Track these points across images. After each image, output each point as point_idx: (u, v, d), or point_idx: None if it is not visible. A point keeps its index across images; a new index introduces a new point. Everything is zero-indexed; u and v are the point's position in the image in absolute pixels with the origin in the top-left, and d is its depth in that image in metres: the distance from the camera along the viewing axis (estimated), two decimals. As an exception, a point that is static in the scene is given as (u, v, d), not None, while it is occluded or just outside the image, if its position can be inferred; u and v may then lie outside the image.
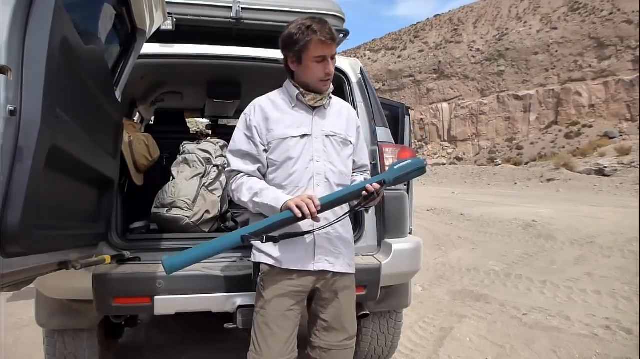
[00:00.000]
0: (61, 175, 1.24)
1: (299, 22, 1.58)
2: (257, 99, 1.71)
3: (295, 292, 1.61)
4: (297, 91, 1.63)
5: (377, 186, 1.53)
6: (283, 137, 1.61)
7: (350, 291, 1.73)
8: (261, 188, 1.58)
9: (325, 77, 1.60)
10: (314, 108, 1.66)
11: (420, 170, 1.63)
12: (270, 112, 1.64)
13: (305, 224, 1.54)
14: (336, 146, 1.67)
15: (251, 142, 1.64)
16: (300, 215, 1.46)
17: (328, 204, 1.52)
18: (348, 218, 1.74)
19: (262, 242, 1.50)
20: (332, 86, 1.70)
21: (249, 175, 1.65)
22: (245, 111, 1.70)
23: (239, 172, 1.65)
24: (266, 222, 1.50)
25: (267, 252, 1.62)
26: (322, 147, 1.64)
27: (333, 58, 1.61)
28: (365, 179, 1.75)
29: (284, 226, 1.50)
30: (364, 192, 1.53)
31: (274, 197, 1.55)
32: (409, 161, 1.63)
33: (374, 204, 1.62)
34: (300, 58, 1.59)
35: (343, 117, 1.74)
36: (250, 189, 1.59)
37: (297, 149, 1.61)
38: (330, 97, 1.71)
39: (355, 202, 1.60)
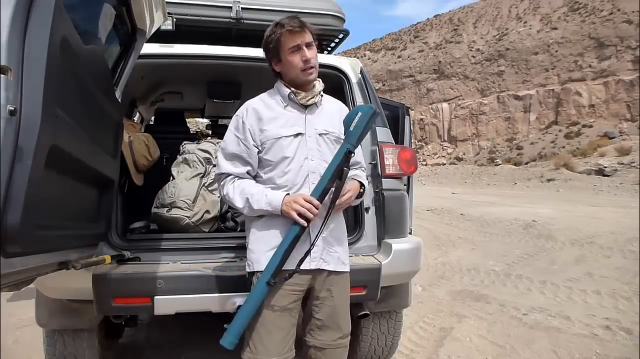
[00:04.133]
0: (61, 175, 1.24)
1: (271, 25, 1.61)
2: (248, 101, 1.71)
3: (291, 291, 1.60)
4: (289, 90, 1.64)
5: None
6: (277, 136, 1.61)
7: (345, 290, 1.73)
8: (252, 193, 1.58)
9: (305, 65, 1.58)
10: (306, 107, 1.66)
11: (374, 115, 1.62)
12: (263, 112, 1.64)
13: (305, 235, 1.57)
14: (329, 144, 1.67)
15: (242, 144, 1.64)
16: (306, 224, 1.51)
17: (320, 198, 1.54)
18: (342, 217, 1.74)
19: (287, 278, 1.53)
20: (322, 84, 1.70)
21: (239, 177, 1.65)
22: (237, 112, 1.70)
23: (228, 174, 1.66)
24: (278, 255, 1.52)
25: (265, 257, 1.60)
26: (315, 145, 1.64)
27: (310, 46, 1.59)
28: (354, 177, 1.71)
29: (294, 246, 1.53)
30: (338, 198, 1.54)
31: (267, 202, 1.56)
32: (359, 114, 1.60)
33: (351, 193, 1.62)
34: (279, 55, 1.61)
35: (336, 115, 1.73)
36: (242, 194, 1.60)
37: (291, 148, 1.61)
38: (322, 96, 1.70)
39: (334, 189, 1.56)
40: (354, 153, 1.59)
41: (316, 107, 1.69)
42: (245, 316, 1.52)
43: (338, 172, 1.55)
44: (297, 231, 1.52)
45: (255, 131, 1.63)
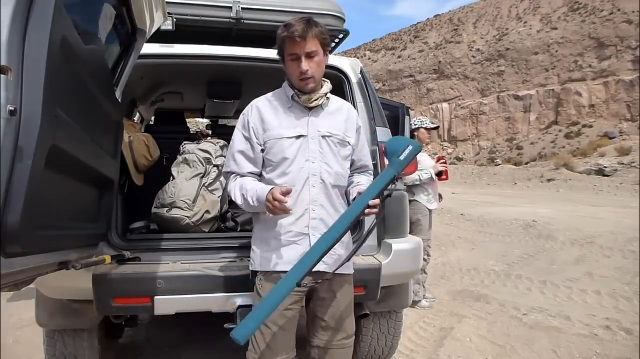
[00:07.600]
0: (61, 175, 1.24)
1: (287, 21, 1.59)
2: (255, 99, 1.71)
3: (294, 291, 1.60)
4: (292, 92, 1.64)
5: (376, 201, 1.50)
6: (278, 137, 1.62)
7: (348, 291, 1.74)
8: (247, 189, 1.58)
9: (301, 75, 1.56)
10: (310, 108, 1.66)
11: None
12: (267, 112, 1.65)
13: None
14: (332, 146, 1.66)
15: (248, 142, 1.65)
16: (275, 215, 1.51)
17: (338, 238, 1.47)
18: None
19: (317, 284, 1.58)
20: (329, 85, 1.69)
21: (242, 176, 1.66)
22: (244, 111, 1.71)
23: (233, 173, 1.67)
24: (309, 259, 1.44)
25: (263, 257, 1.63)
26: (317, 147, 1.64)
27: (310, 56, 1.55)
28: (359, 188, 1.68)
29: (326, 253, 1.46)
30: (367, 210, 1.50)
31: (256, 197, 1.53)
32: (411, 147, 1.61)
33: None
34: (283, 56, 1.61)
35: (342, 117, 1.73)
36: (240, 190, 1.61)
37: (292, 150, 1.61)
38: (328, 97, 1.69)
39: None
40: (398, 179, 1.57)
41: (321, 109, 1.68)
42: (264, 312, 1.39)
43: (381, 193, 1.54)
44: (329, 243, 1.45)
45: (258, 130, 1.64)
